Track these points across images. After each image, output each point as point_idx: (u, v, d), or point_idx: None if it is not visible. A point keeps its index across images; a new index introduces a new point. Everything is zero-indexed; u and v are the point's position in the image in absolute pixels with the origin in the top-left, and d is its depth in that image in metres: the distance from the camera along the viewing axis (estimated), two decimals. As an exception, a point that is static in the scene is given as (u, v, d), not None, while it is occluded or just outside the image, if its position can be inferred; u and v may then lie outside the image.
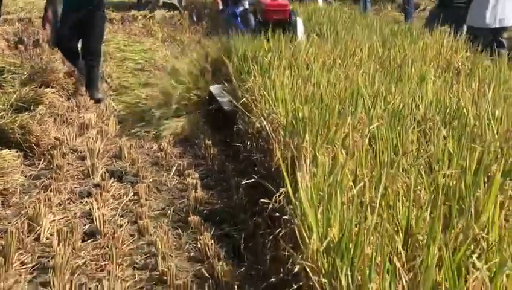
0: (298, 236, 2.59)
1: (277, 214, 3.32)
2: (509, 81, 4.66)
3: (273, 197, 3.21)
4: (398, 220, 2.58)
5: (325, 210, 2.58)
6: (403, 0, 13.81)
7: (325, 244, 2.41)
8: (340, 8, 9.93)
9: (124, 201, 4.53)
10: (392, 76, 4.94)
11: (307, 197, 2.71)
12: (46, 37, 11.30)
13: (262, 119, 4.13)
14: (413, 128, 3.64)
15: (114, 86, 7.80)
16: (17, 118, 5.45)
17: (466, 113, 3.81)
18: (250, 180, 4.00)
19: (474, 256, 2.27)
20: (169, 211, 4.36)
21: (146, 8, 15.02)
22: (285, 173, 3.12)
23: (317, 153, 3.21)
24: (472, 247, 2.35)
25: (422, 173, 3.00)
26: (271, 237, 3.24)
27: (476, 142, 3.35)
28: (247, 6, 7.59)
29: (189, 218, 4.11)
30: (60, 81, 7.42)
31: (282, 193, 3.16)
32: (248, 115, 4.57)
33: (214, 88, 5.93)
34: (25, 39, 11.18)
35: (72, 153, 5.57)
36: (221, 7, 7.62)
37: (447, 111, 4.01)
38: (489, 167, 3.04)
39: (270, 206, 3.22)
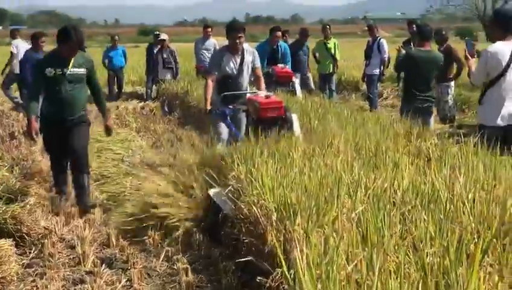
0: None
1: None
2: (478, 166, 5.01)
3: (270, 277, 3.44)
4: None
5: (324, 287, 2.83)
6: (367, 90, 14.41)
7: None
8: (309, 98, 10.38)
9: (118, 287, 4.71)
10: (369, 163, 5.27)
11: (306, 276, 2.95)
12: (21, 129, 11.58)
13: (252, 205, 4.39)
14: (395, 211, 3.93)
15: (95, 176, 8.00)
16: (8, 209, 5.64)
17: (442, 197, 4.11)
18: (243, 259, 4.21)
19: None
20: (163, 295, 4.54)
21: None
22: (280, 254, 3.36)
23: (310, 236, 3.46)
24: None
25: (409, 253, 3.27)
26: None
27: (453, 223, 3.64)
28: (239, 106, 7.45)
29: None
30: (42, 172, 7.65)
31: (278, 272, 3.40)
32: (236, 201, 4.82)
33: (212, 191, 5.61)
34: (0, 131, 11.41)
35: (61, 241, 5.75)
36: (209, 107, 7.29)
37: (423, 195, 4.31)
38: (468, 246, 3.32)
39: (267, 285, 3.45)
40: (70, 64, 6.63)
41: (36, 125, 6.74)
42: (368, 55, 13.90)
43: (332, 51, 14.49)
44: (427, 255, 3.18)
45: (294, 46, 13.85)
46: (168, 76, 15.37)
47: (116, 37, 17.78)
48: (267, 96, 6.78)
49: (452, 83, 11.48)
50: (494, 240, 3.40)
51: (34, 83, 6.88)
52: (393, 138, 6.39)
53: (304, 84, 13.37)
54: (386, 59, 13.65)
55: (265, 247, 4.01)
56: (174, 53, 15.57)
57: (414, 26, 12.58)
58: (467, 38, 9.07)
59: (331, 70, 14.56)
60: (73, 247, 5.56)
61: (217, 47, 15.12)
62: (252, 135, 5.97)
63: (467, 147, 5.75)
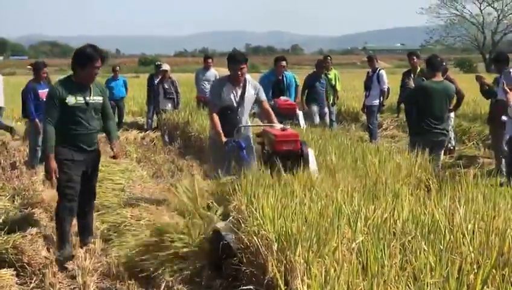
0: None
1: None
2: (478, 197, 5.05)
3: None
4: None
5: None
6: (367, 120, 14.47)
7: None
8: (309, 128, 10.44)
9: (118, 317, 4.70)
10: (369, 194, 5.30)
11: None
12: (23, 159, 11.64)
13: (253, 235, 4.41)
14: (395, 241, 3.96)
15: (95, 205, 8.01)
16: (9, 239, 5.68)
17: (442, 228, 4.14)
18: (244, 288, 4.21)
19: None
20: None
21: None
22: (281, 284, 3.39)
23: (310, 266, 3.49)
24: None
25: (409, 283, 3.29)
26: None
27: (453, 253, 3.67)
28: (250, 135, 7.18)
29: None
30: (43, 202, 7.67)
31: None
32: (237, 231, 4.83)
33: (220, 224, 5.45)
34: (2, 161, 11.46)
35: (62, 271, 5.75)
36: (224, 139, 6.89)
37: (423, 226, 4.34)
38: (468, 276, 3.34)
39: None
40: (92, 93, 6.24)
41: (55, 163, 6.10)
42: (367, 86, 13.97)
43: (333, 82, 14.58)
44: (427, 286, 3.21)
45: (310, 78, 13.83)
46: (169, 106, 15.44)
47: (117, 68, 17.92)
48: (283, 129, 6.50)
49: (452, 114, 11.54)
50: (494, 270, 3.43)
51: (50, 113, 6.11)
52: (393, 169, 6.43)
53: (321, 118, 13.29)
54: (386, 90, 13.72)
55: (266, 277, 4.03)
56: (175, 83, 15.64)
57: (414, 57, 12.64)
58: (506, 69, 8.71)
59: (331, 101, 14.61)
60: (74, 277, 5.57)
61: (218, 78, 15.27)
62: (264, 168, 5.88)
63: (467, 178, 5.79)
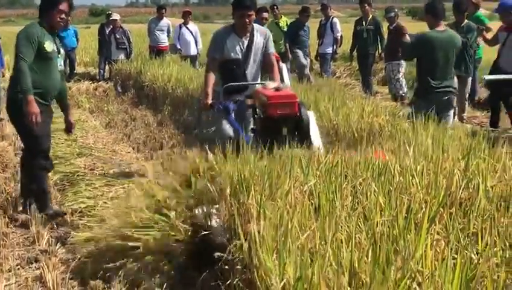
0: (258, 281, 2.90)
1: (226, 267, 3.62)
2: (427, 141, 5.16)
3: (228, 249, 3.51)
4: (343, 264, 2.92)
5: (280, 256, 2.91)
6: (320, 68, 14.53)
7: (282, 284, 2.73)
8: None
9: (72, 264, 4.69)
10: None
11: (262, 246, 3.03)
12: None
13: (206, 181, 4.42)
14: (346, 183, 4.03)
15: (48, 156, 7.95)
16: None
17: (392, 170, 4.22)
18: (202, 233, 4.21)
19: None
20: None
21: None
22: (236, 228, 3.43)
23: (264, 209, 3.53)
24: (409, 282, 2.72)
25: (360, 223, 3.37)
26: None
27: (402, 194, 3.75)
28: (242, 98, 5.96)
29: (141, 275, 4.30)
30: (-6, 154, 7.59)
31: (235, 244, 3.47)
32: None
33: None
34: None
35: (15, 221, 5.71)
36: (210, 101, 5.89)
37: (374, 168, 4.41)
38: (417, 215, 3.43)
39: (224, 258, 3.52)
40: (57, 42, 5.77)
41: (37, 107, 5.42)
42: (320, 34, 13.99)
43: (285, 30, 14.50)
44: (377, 225, 3.28)
45: (294, 26, 13.71)
46: (122, 56, 15.26)
47: (69, 18, 17.50)
48: (277, 89, 5.50)
49: (403, 61, 11.65)
50: (441, 209, 3.53)
51: (26, 53, 5.44)
52: (345, 114, 6.50)
53: (299, 67, 13.19)
54: (339, 38, 13.78)
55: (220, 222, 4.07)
56: (127, 33, 15.45)
57: (366, 5, 12.68)
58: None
59: (284, 50, 14.54)
60: (27, 227, 5.54)
61: (171, 28, 15.06)
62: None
63: (417, 123, 5.90)
